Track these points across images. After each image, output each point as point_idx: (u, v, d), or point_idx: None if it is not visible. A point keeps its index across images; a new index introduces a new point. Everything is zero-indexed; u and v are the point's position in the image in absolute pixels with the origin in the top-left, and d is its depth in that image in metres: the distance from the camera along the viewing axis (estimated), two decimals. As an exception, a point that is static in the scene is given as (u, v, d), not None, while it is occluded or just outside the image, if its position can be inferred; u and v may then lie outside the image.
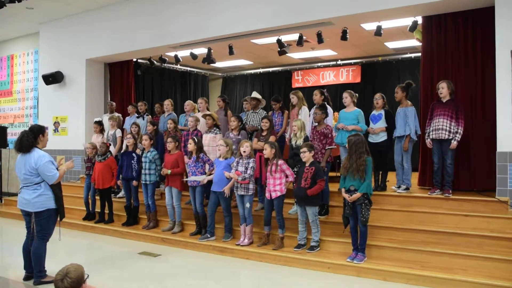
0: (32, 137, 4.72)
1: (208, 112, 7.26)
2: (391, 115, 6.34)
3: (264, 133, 6.52)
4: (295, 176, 5.65)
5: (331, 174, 6.60)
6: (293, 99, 6.78)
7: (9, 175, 11.28)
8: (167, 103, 8.33)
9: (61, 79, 10.22)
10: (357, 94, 6.58)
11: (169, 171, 6.53)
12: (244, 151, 5.88)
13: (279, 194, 5.66)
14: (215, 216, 6.29)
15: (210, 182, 6.25)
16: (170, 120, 7.55)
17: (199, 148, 6.41)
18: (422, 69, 6.73)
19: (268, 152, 5.70)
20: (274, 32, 7.80)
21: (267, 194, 5.76)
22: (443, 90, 5.86)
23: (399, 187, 6.30)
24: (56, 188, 4.78)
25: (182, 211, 6.86)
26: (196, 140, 6.42)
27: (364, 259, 5.05)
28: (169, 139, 6.70)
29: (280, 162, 5.67)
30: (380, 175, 6.48)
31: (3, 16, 9.35)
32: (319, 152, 5.94)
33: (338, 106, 9.21)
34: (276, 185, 5.66)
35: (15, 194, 10.46)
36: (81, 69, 9.99)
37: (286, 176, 5.69)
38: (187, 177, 6.61)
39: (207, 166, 6.43)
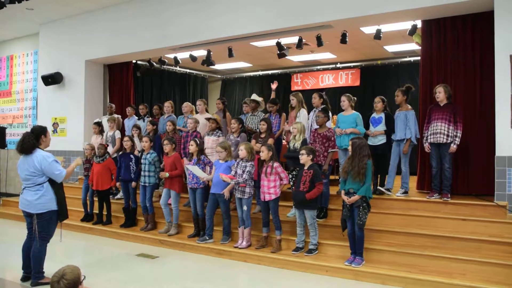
0: (34, 138, 4.74)
1: (213, 116, 7.22)
2: (392, 118, 6.34)
3: (263, 135, 6.52)
4: (293, 179, 5.65)
5: (330, 177, 6.59)
6: (293, 101, 6.79)
7: (8, 175, 11.27)
8: (167, 105, 8.33)
9: (60, 80, 10.21)
10: (355, 98, 6.58)
11: (167, 174, 6.52)
12: (238, 154, 5.90)
13: (273, 197, 5.66)
14: (214, 219, 6.27)
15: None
16: (169, 122, 7.55)
17: (200, 150, 6.40)
18: (421, 73, 6.74)
19: (265, 154, 5.70)
20: (273, 34, 7.80)
21: (261, 196, 5.76)
22: (440, 94, 5.87)
23: (387, 189, 6.29)
24: (59, 189, 4.79)
25: (181, 213, 6.85)
26: (198, 142, 6.41)
27: (362, 262, 5.05)
28: (165, 141, 6.67)
29: (276, 164, 5.68)
30: (378, 179, 6.47)
31: (3, 16, 9.33)
32: (321, 155, 5.94)
33: (337, 109, 9.21)
34: (270, 188, 5.66)
35: (14, 195, 10.47)
36: (81, 70, 9.98)
37: (281, 179, 5.69)
38: (186, 179, 6.58)
39: (207, 168, 6.41)
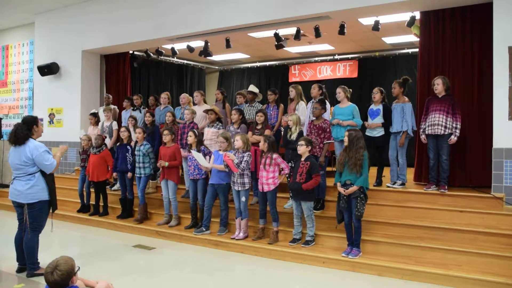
0: (26, 129, 4.71)
1: (210, 107, 7.19)
2: (390, 110, 6.32)
3: (259, 127, 6.51)
4: (290, 170, 5.64)
5: (327, 169, 6.58)
6: (292, 92, 6.78)
7: (4, 166, 11.23)
8: (164, 96, 8.29)
9: (56, 71, 10.13)
10: (350, 90, 6.54)
11: (166, 163, 6.51)
12: (234, 144, 5.88)
13: (272, 187, 5.65)
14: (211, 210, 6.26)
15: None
16: (169, 113, 7.47)
17: (199, 141, 6.38)
18: (419, 65, 6.71)
19: (261, 145, 5.70)
20: (271, 25, 7.75)
21: (259, 187, 5.76)
22: (438, 86, 5.85)
23: (394, 183, 6.28)
24: (50, 180, 4.76)
25: (178, 204, 6.83)
26: (196, 133, 6.39)
27: (359, 254, 5.05)
28: (166, 132, 6.67)
29: (275, 155, 5.67)
30: (376, 171, 6.46)
31: (-3, 5, 9.26)
32: (317, 147, 5.93)
33: (334, 101, 9.19)
34: (269, 178, 5.65)
35: (10, 186, 10.41)
36: (77, 60, 9.90)
37: (282, 169, 5.67)
38: (182, 171, 6.54)
39: (207, 158, 6.39)
